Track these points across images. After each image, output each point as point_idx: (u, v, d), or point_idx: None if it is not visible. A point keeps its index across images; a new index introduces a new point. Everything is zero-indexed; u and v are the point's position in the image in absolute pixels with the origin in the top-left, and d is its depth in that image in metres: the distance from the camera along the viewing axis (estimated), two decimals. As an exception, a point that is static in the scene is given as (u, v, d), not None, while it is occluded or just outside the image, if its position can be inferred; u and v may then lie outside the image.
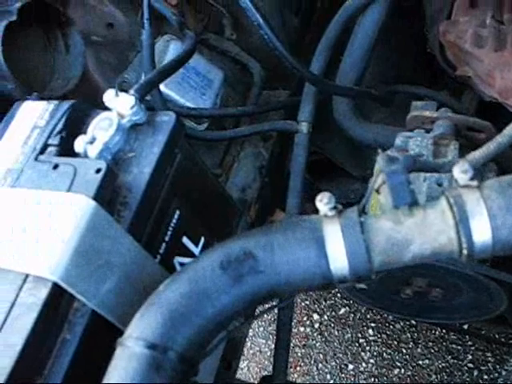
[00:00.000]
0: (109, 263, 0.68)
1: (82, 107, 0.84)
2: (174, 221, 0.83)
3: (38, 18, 1.03)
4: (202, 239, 0.89)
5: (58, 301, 0.67)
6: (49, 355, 0.66)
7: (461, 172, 0.63)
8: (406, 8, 1.32)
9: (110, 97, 0.81)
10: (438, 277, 0.99)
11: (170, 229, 0.82)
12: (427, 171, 0.81)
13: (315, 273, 0.64)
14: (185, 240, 0.85)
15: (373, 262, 0.63)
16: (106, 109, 0.82)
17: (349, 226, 0.63)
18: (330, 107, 1.22)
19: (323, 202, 0.64)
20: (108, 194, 0.73)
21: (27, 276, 0.66)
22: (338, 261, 0.63)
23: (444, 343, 2.00)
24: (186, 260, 0.85)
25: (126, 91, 1.12)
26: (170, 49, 1.17)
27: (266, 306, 0.73)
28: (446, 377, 1.95)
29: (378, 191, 0.69)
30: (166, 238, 0.81)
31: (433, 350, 2.00)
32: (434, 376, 1.96)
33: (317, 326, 2.18)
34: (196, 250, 0.88)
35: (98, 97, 0.84)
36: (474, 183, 0.63)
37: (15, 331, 0.64)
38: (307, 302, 2.20)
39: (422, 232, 0.62)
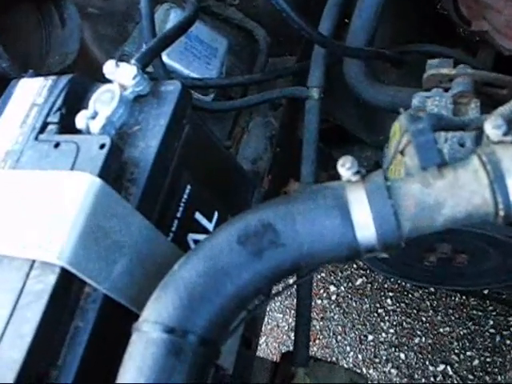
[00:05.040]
0: (119, 244, 0.64)
1: (82, 81, 0.80)
2: (186, 196, 0.78)
3: (29, -9, 0.98)
4: (216, 214, 0.85)
5: (67, 286, 0.63)
6: (61, 345, 0.63)
7: (493, 128, 0.58)
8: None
9: (110, 68, 0.76)
10: (464, 242, 0.94)
11: (182, 204, 0.78)
12: (452, 129, 0.76)
13: (341, 243, 0.59)
14: (198, 216, 0.81)
15: (402, 229, 0.59)
16: (107, 82, 0.78)
17: (375, 190, 0.59)
18: (340, 72, 1.17)
19: (346, 167, 0.60)
20: (114, 171, 0.69)
21: (33, 262, 0.62)
22: (365, 229, 0.58)
23: (464, 310, 1.97)
24: (200, 237, 0.81)
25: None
26: (171, 17, 1.11)
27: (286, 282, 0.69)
28: (467, 343, 1.92)
29: (402, 153, 0.64)
30: (178, 215, 0.77)
31: (453, 317, 1.97)
32: (455, 343, 1.93)
33: (334, 297, 2.16)
34: (210, 226, 0.84)
35: (97, 71, 0.80)
36: (509, 139, 0.58)
37: (25, 321, 0.60)
38: (323, 274, 2.17)
39: (454, 194, 0.58)
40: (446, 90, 0.96)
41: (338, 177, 0.63)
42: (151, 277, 0.67)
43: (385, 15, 1.16)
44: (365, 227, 0.58)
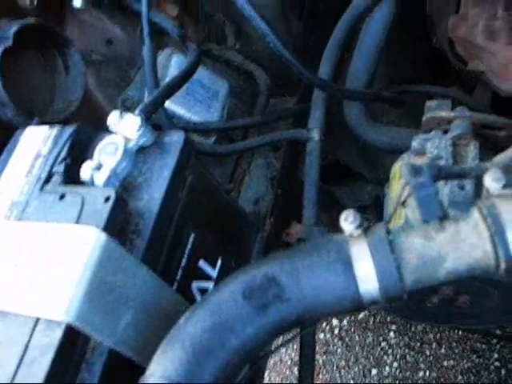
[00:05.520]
0: (124, 297, 0.65)
1: (86, 131, 0.81)
2: (189, 245, 0.79)
3: (34, 41, 0.99)
4: (219, 260, 0.86)
5: (73, 340, 0.64)
6: (68, 399, 0.63)
7: (493, 180, 0.59)
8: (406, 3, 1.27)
9: (114, 120, 0.77)
10: (466, 284, 0.94)
11: (186, 253, 0.78)
12: (452, 178, 0.77)
13: (344, 296, 0.60)
14: (201, 263, 0.82)
15: (405, 282, 0.59)
16: (111, 131, 0.79)
17: (377, 244, 0.59)
18: (339, 111, 1.18)
19: (348, 221, 0.60)
20: (119, 223, 0.70)
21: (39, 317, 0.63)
22: (368, 282, 0.59)
23: (468, 342, 1.95)
24: (204, 284, 0.82)
25: (130, 109, 1.09)
26: (173, 62, 1.13)
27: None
28: (472, 377, 1.90)
29: (403, 204, 0.65)
30: (182, 264, 0.78)
31: (457, 350, 1.95)
32: (460, 377, 1.91)
33: (337, 331, 2.14)
34: (213, 273, 0.84)
35: (101, 116, 0.81)
36: (508, 192, 0.59)
37: (31, 375, 0.61)
38: (325, 308, 2.15)
39: (456, 247, 0.59)
40: (445, 131, 0.97)
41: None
42: (157, 328, 0.68)
43: (383, 54, 1.17)
44: (367, 281, 0.59)
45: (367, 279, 0.59)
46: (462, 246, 0.59)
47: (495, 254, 0.58)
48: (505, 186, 0.59)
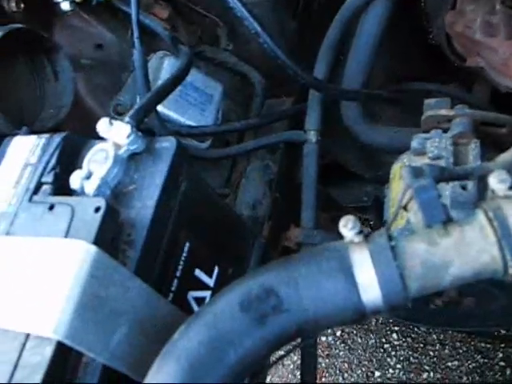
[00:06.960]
0: (117, 311, 0.62)
1: (75, 139, 0.79)
2: (184, 254, 0.76)
3: (21, 47, 0.97)
4: (216, 269, 0.83)
5: (65, 357, 0.61)
6: (60, 418, 0.60)
7: (498, 182, 0.57)
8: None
9: (104, 126, 0.74)
10: (471, 285, 0.92)
11: (181, 263, 0.76)
12: (455, 179, 0.75)
13: (346, 306, 0.58)
14: (197, 272, 0.79)
15: (409, 290, 0.57)
16: (101, 138, 0.76)
17: (379, 251, 0.57)
18: (336, 110, 1.16)
19: (348, 228, 0.58)
20: (110, 234, 0.67)
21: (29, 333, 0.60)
22: (370, 291, 0.57)
23: (472, 342, 1.92)
24: (200, 294, 0.79)
25: (122, 114, 1.06)
26: (165, 65, 1.11)
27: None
28: (477, 377, 1.87)
29: (405, 208, 0.63)
30: (178, 274, 0.75)
31: (461, 351, 1.92)
32: (464, 378, 1.88)
33: (339, 334, 2.12)
34: (210, 282, 0.82)
35: (92, 122, 0.78)
36: (515, 193, 0.56)
37: (21, 396, 0.58)
38: (327, 311, 2.13)
39: (461, 252, 0.56)
40: (445, 130, 0.94)
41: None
42: (152, 342, 0.65)
43: (378, 52, 1.15)
44: (370, 290, 0.57)
45: (369, 288, 0.57)
46: (467, 251, 0.56)
47: (503, 258, 0.56)
48: (511, 188, 0.57)
